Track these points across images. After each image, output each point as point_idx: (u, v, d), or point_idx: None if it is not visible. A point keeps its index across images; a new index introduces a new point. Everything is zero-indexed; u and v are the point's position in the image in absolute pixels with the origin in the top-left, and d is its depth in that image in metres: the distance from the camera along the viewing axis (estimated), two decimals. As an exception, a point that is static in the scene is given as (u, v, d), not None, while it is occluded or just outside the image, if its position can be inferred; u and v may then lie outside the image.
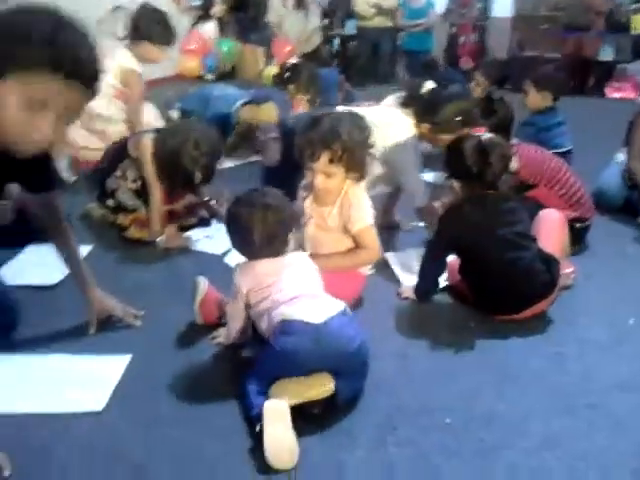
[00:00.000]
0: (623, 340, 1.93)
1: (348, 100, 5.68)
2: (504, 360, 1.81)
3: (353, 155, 1.91)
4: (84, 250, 2.42)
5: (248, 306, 1.70)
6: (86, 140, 3.29)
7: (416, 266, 2.18)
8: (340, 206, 2.00)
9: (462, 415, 1.56)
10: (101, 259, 2.40)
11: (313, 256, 1.98)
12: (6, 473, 1.32)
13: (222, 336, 1.83)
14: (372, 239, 2.03)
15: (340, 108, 2.40)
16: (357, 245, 2.03)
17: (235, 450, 1.42)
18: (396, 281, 2.26)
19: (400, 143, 2.39)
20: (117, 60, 3.27)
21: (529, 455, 1.43)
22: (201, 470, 1.37)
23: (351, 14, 7.86)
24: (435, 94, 2.44)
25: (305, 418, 1.48)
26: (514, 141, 2.71)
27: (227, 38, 6.74)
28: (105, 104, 3.26)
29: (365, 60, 7.53)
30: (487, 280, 2.00)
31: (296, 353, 1.50)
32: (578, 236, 2.56)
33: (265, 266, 1.67)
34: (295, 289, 1.62)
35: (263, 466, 1.36)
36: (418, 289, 2.12)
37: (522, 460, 1.42)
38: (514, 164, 2.45)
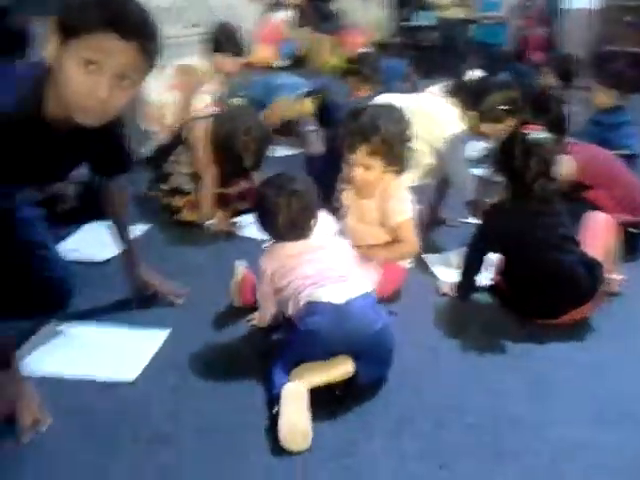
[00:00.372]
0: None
1: (415, 91, 5.65)
2: (537, 365, 1.77)
3: (391, 148, 1.92)
4: (139, 229, 2.56)
5: (275, 290, 1.74)
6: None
7: (454, 266, 2.17)
8: (379, 199, 2.01)
9: (484, 416, 1.54)
10: (154, 239, 2.53)
11: (355, 247, 2.02)
12: (43, 428, 1.43)
13: (256, 319, 1.89)
14: (410, 232, 2.03)
15: (383, 98, 2.41)
16: (395, 238, 2.04)
17: (253, 428, 1.47)
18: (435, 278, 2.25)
19: (448, 135, 2.38)
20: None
21: (546, 462, 1.41)
22: (218, 443, 1.43)
23: (424, 5, 7.77)
24: (481, 82, 2.42)
25: (325, 402, 1.52)
26: (570, 140, 2.61)
27: (300, 27, 6.81)
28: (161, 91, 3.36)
29: (438, 51, 7.44)
30: (526, 281, 1.96)
31: (318, 333, 1.53)
32: (634, 243, 2.47)
33: (289, 248, 1.71)
34: (320, 272, 1.64)
35: (277, 446, 1.40)
36: (460, 285, 2.10)
37: (538, 467, 1.39)
38: (566, 166, 2.39)
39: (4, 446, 1.40)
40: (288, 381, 1.51)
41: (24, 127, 1.37)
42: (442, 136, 2.39)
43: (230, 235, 2.59)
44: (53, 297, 1.85)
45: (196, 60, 3.42)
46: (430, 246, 2.44)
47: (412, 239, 2.04)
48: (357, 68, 3.98)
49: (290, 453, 1.39)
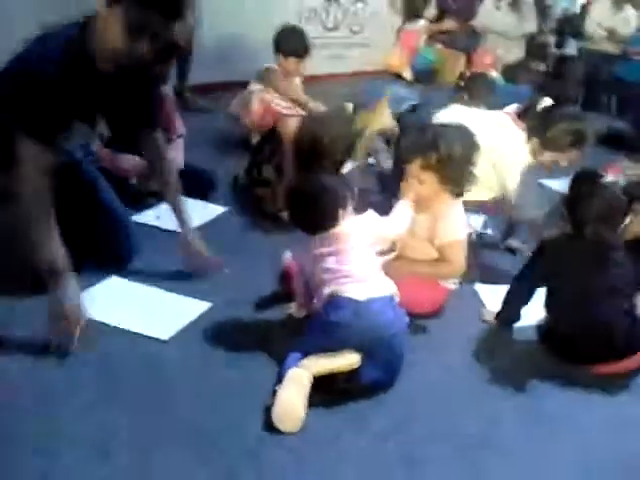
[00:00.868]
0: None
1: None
2: (545, 406, 1.76)
3: (446, 167, 1.95)
4: (218, 210, 2.76)
5: (310, 282, 1.83)
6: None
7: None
8: (432, 217, 2.05)
9: (471, 441, 1.57)
10: (227, 221, 2.71)
11: (398, 258, 2.08)
12: (72, 347, 1.65)
13: (294, 308, 2.00)
14: (456, 254, 2.04)
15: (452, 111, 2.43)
16: (441, 257, 2.06)
17: (256, 403, 1.59)
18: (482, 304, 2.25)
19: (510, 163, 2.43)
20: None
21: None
22: (220, 411, 1.56)
23: (576, 33, 7.45)
24: (550, 110, 2.38)
25: (326, 392, 1.61)
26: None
27: (432, 45, 6.83)
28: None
29: (577, 82, 7.11)
30: (563, 323, 1.92)
31: (337, 324, 1.63)
32: None
33: (314, 242, 1.78)
34: (340, 269, 1.70)
35: (269, 424, 1.51)
36: (500, 314, 2.09)
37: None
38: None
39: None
40: (297, 366, 1.61)
41: (73, 65, 1.64)
42: (504, 163, 2.41)
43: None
44: (118, 252, 2.10)
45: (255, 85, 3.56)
46: (488, 274, 2.43)
47: (457, 261, 2.05)
48: (468, 86, 3.99)
49: (279, 431, 1.50)
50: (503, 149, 2.46)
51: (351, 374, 1.63)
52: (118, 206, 2.18)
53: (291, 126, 2.77)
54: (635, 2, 6.57)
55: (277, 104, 3.37)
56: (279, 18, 5.58)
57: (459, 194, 2.06)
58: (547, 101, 2.47)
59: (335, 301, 1.67)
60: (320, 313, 1.71)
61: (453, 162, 1.95)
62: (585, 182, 1.95)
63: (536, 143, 2.45)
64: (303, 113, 3.16)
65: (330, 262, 1.73)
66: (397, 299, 1.76)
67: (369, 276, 1.73)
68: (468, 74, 4.18)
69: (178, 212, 2.11)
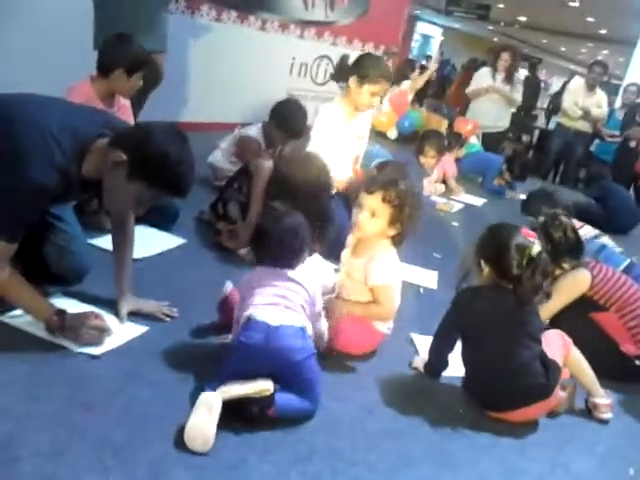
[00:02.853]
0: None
1: (509, 186, 5.69)
2: (454, 450, 1.80)
3: (402, 207, 2.07)
4: (177, 242, 2.86)
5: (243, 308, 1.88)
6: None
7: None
8: (367, 259, 2.14)
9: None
10: (186, 252, 2.81)
11: (337, 298, 2.17)
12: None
13: (229, 338, 2.06)
14: (386, 298, 2.13)
15: None
16: (373, 299, 2.15)
17: (170, 424, 1.63)
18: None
19: None
20: None
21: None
22: (132, 426, 1.60)
23: (556, 110, 7.77)
24: None
25: (239, 418, 1.66)
26: (592, 260, 2.61)
27: (417, 108, 7.10)
28: None
29: (553, 156, 7.35)
30: (480, 370, 1.99)
31: (247, 346, 1.71)
32: (636, 373, 2.39)
33: (263, 271, 1.89)
34: (271, 299, 1.80)
35: (179, 443, 1.56)
36: (427, 364, 2.15)
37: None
38: (582, 278, 2.40)
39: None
40: (210, 390, 1.66)
41: (68, 179, 1.80)
42: None
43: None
44: (67, 271, 2.17)
45: (256, 131, 3.82)
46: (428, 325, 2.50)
47: (387, 304, 2.14)
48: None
49: (187, 451, 1.54)
50: None
51: (265, 401, 1.68)
52: (72, 224, 2.25)
53: (264, 167, 2.91)
54: (605, 86, 6.90)
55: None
56: (271, 71, 5.89)
57: (399, 242, 2.16)
58: None
59: (248, 324, 1.76)
60: (235, 337, 1.80)
61: (408, 203, 2.08)
62: (506, 235, 2.00)
63: (353, 83, 3.04)
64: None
65: (266, 291, 1.82)
66: (310, 332, 1.84)
67: (293, 309, 1.81)
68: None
69: (120, 280, 2.15)
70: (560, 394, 2.04)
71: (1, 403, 1.59)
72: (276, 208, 2.36)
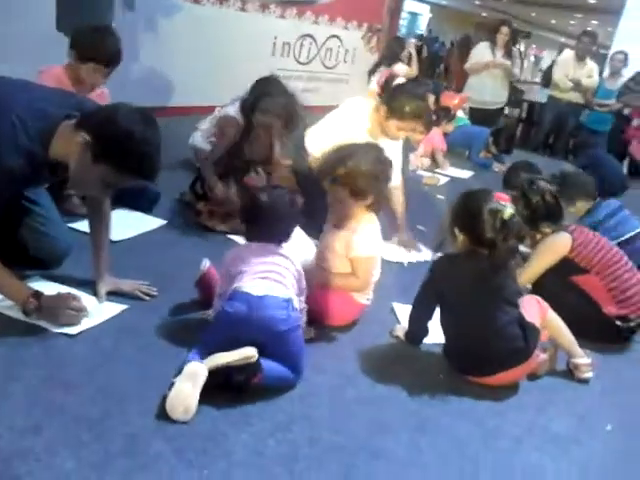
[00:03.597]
0: (585, 443, 1.82)
1: (496, 159, 5.69)
2: (431, 415, 1.81)
3: (355, 179, 2.06)
4: (157, 223, 2.86)
5: (228, 283, 1.88)
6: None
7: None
8: (347, 231, 2.15)
9: (350, 445, 1.62)
10: (166, 232, 2.81)
11: (316, 268, 2.17)
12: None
13: (209, 313, 2.05)
14: (364, 270, 2.14)
15: None
16: (351, 271, 2.16)
17: (151, 396, 1.64)
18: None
19: None
20: None
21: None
22: (110, 400, 1.61)
23: (547, 83, 7.73)
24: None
25: (223, 388, 1.67)
26: (574, 225, 2.61)
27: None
28: None
29: (546, 129, 7.36)
30: (459, 336, 2.00)
31: (230, 314, 1.73)
32: (620, 335, 2.41)
33: (252, 246, 1.90)
34: (260, 274, 1.81)
35: (159, 415, 1.58)
36: (408, 332, 2.16)
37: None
38: (563, 241, 2.41)
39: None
40: (196, 360, 1.67)
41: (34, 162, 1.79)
42: None
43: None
44: (45, 254, 2.16)
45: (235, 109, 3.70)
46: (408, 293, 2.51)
47: (364, 276, 2.15)
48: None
49: (170, 419, 1.56)
50: None
51: (250, 368, 1.68)
52: (48, 207, 2.24)
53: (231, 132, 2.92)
54: (596, 57, 6.86)
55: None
56: (253, 52, 5.84)
57: (374, 208, 2.16)
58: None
59: (233, 294, 1.78)
60: (219, 307, 1.81)
61: (360, 174, 2.07)
62: (478, 200, 1.98)
63: (383, 111, 2.85)
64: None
65: (255, 267, 1.82)
66: (300, 306, 1.86)
67: (279, 281, 1.82)
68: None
69: (97, 262, 2.14)
70: (541, 356, 2.05)
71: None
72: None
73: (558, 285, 2.44)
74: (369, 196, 2.11)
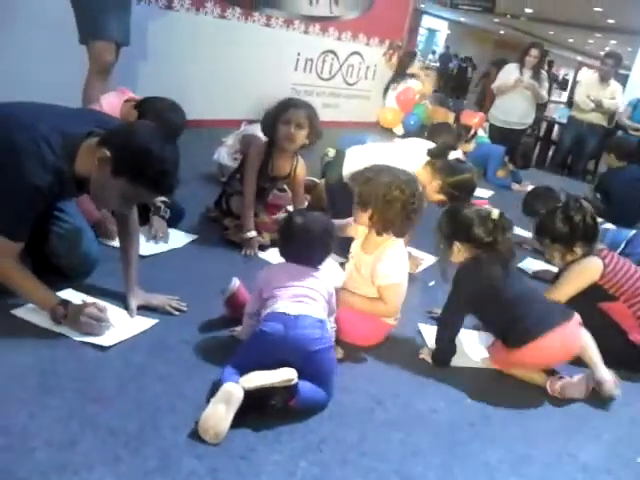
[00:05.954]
0: (615, 473, 1.80)
1: (513, 178, 5.68)
2: (465, 443, 1.81)
3: (375, 207, 2.11)
4: (187, 238, 2.89)
5: (260, 304, 1.91)
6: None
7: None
8: (374, 258, 2.16)
9: (381, 469, 1.62)
10: (194, 248, 2.84)
11: (343, 289, 2.18)
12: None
13: (239, 331, 2.08)
14: (392, 297, 2.15)
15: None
16: (379, 297, 2.17)
17: (183, 416, 1.65)
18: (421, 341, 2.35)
19: None
20: None
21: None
22: (143, 417, 1.63)
23: (569, 103, 7.73)
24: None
25: (262, 410, 1.67)
26: (604, 247, 2.61)
27: (423, 102, 7.08)
28: None
29: (565, 149, 7.33)
30: (506, 311, 2.11)
31: (266, 333, 1.75)
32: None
33: (288, 266, 1.93)
34: (295, 297, 1.83)
35: (192, 435, 1.59)
36: (436, 352, 2.17)
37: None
38: (594, 266, 2.42)
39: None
40: (232, 380, 1.66)
41: (62, 178, 1.86)
42: None
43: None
44: (75, 263, 2.20)
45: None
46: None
47: (393, 303, 2.15)
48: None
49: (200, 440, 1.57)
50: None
51: (288, 391, 1.68)
52: (77, 218, 2.26)
53: (255, 148, 2.95)
54: (619, 77, 6.85)
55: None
56: (276, 67, 5.90)
57: (400, 234, 2.18)
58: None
59: (268, 316, 1.80)
60: (255, 328, 1.83)
61: (380, 202, 2.10)
62: (464, 211, 2.21)
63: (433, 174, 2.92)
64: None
65: (290, 290, 1.85)
66: (331, 326, 1.88)
67: (307, 300, 1.84)
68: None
69: (127, 276, 2.17)
70: (570, 379, 2.10)
71: (15, 395, 1.62)
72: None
73: (585, 310, 2.42)
74: (395, 224, 2.13)
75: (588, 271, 2.45)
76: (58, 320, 1.91)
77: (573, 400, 2.11)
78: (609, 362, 2.23)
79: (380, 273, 2.13)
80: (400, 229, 2.17)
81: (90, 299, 2.08)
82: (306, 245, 1.92)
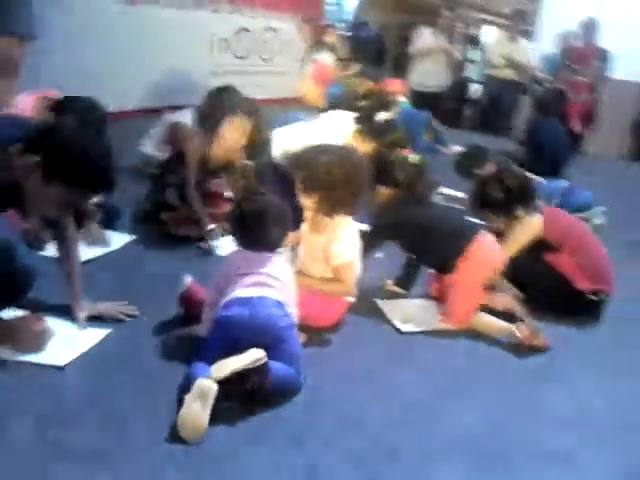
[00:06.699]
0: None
1: (437, 141, 5.76)
2: (442, 405, 1.84)
3: (321, 191, 2.07)
4: (125, 239, 2.76)
5: (220, 293, 1.85)
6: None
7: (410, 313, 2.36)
8: (326, 238, 2.13)
9: (364, 449, 1.61)
10: (134, 248, 2.73)
11: (297, 274, 2.14)
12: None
13: (198, 328, 1.96)
14: (348, 276, 2.12)
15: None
16: (334, 277, 2.14)
17: (159, 422, 1.59)
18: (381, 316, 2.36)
19: None
20: None
21: None
22: (122, 431, 1.55)
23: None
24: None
25: (238, 396, 1.64)
26: (542, 203, 2.70)
27: (343, 74, 7.00)
28: None
29: (485, 107, 7.48)
30: (427, 236, 2.32)
31: (227, 318, 1.73)
32: (589, 308, 2.49)
33: (248, 254, 1.88)
34: (251, 285, 1.80)
35: (173, 430, 1.54)
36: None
37: None
38: (535, 222, 2.49)
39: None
40: (204, 375, 1.60)
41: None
42: None
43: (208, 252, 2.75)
44: (10, 286, 2.02)
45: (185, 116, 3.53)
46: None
47: (349, 282, 2.13)
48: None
49: (181, 439, 1.52)
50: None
51: (261, 371, 1.65)
52: (3, 231, 2.08)
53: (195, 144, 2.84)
54: (527, 34, 7.06)
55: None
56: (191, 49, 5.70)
57: (352, 213, 2.16)
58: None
59: (228, 302, 1.78)
60: (215, 317, 1.79)
61: (332, 190, 2.07)
62: (385, 156, 2.45)
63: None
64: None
65: (247, 280, 1.81)
66: (288, 308, 1.84)
67: (265, 286, 1.81)
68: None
69: (71, 288, 2.05)
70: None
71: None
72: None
73: (532, 265, 2.51)
74: (342, 202, 2.10)
75: (530, 228, 2.51)
76: None
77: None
78: (559, 310, 2.33)
79: (335, 253, 2.10)
80: (350, 208, 2.15)
81: (21, 313, 1.94)
82: (261, 230, 1.87)
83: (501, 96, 7.06)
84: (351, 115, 3.34)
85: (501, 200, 2.50)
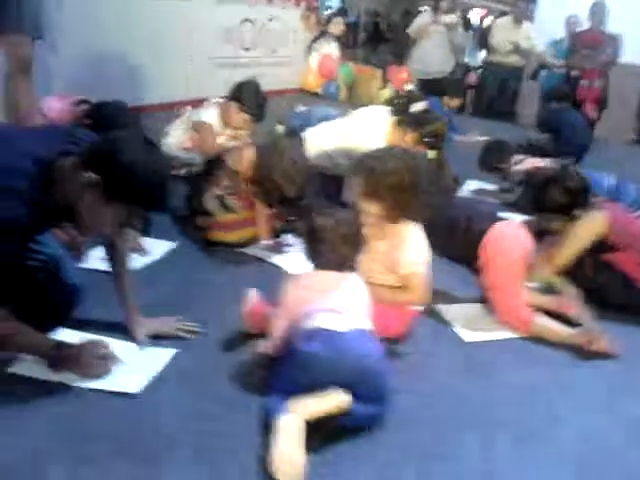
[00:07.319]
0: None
1: (450, 129, 5.65)
2: (537, 429, 1.77)
3: (388, 198, 1.98)
4: (166, 246, 2.65)
5: (292, 319, 1.75)
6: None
7: (472, 319, 2.27)
8: (389, 245, 2.04)
9: (470, 467, 1.54)
10: (177, 256, 2.60)
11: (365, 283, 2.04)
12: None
13: (261, 346, 1.88)
14: (418, 284, 2.02)
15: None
16: (403, 286, 2.05)
17: (247, 452, 1.50)
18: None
19: None
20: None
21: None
22: (212, 465, 1.46)
23: (483, 45, 7.78)
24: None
25: (318, 436, 1.53)
26: (600, 198, 2.62)
27: (346, 63, 6.89)
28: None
29: (489, 93, 7.39)
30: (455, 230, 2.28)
31: (315, 356, 1.57)
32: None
33: (323, 276, 1.77)
34: (336, 307, 1.68)
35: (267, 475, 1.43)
36: None
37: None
38: (598, 221, 2.40)
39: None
40: (286, 411, 1.51)
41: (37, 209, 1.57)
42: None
43: (258, 260, 2.65)
44: (57, 305, 1.91)
45: (210, 114, 3.50)
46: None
47: (419, 290, 2.03)
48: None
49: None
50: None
51: (341, 417, 1.55)
52: (53, 245, 1.95)
53: (246, 158, 2.70)
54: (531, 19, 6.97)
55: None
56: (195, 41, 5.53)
57: (416, 218, 2.06)
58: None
59: (312, 334, 1.63)
60: (294, 347, 1.65)
61: (390, 188, 1.97)
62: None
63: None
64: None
65: (327, 300, 1.69)
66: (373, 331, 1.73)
67: (349, 310, 1.69)
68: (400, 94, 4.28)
69: (126, 305, 1.95)
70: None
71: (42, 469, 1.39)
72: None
73: (589, 265, 2.43)
74: (404, 208, 2.01)
75: (594, 227, 2.42)
76: (55, 366, 1.68)
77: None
78: (625, 313, 2.26)
79: (404, 262, 2.01)
80: (415, 213, 2.05)
81: (89, 336, 1.84)
82: (339, 248, 1.76)
83: (507, 82, 6.99)
84: (384, 110, 3.26)
85: (563, 202, 2.42)
